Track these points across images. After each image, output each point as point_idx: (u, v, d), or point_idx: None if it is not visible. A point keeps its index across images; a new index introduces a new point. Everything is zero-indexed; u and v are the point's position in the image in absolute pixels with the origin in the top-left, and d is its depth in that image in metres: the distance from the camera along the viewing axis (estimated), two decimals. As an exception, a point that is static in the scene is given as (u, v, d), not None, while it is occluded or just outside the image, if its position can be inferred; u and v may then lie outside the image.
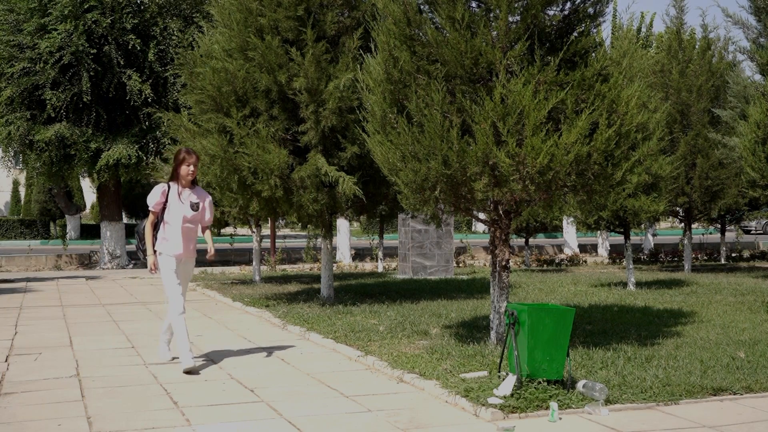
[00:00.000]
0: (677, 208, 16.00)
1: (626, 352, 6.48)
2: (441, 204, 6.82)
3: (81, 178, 30.60)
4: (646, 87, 9.52)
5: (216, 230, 35.14)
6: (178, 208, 6.53)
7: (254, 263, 14.72)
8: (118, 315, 10.21)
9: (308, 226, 12.09)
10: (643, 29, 26.06)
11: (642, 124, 6.72)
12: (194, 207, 6.60)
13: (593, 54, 6.53)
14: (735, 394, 5.37)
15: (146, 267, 7.64)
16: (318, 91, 9.37)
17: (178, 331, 6.43)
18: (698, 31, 16.19)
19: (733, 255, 20.57)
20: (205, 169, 9.85)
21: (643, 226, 19.19)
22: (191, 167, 6.54)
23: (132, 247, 26.34)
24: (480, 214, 7.26)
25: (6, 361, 7.00)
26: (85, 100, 17.15)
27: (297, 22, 9.56)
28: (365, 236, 29.37)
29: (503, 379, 5.27)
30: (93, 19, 17.04)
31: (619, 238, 14.39)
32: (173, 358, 6.83)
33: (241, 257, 21.30)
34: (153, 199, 6.55)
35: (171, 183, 6.61)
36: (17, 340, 8.14)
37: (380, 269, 17.57)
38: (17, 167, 24.84)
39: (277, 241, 20.06)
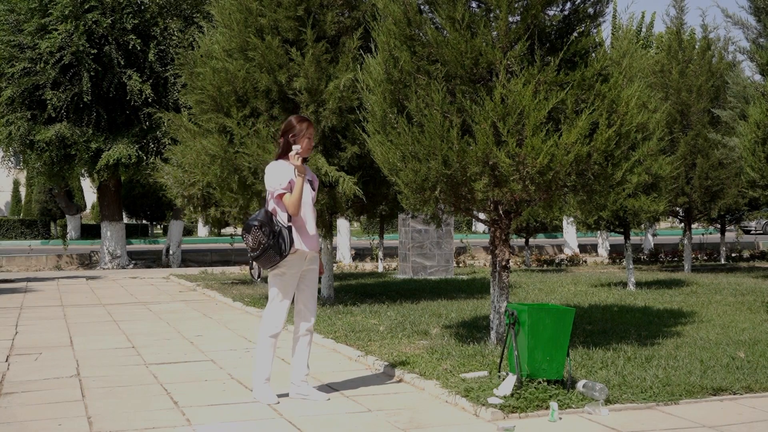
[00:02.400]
0: (677, 208, 15.99)
1: (626, 352, 6.48)
2: (441, 204, 6.82)
3: (81, 178, 30.63)
4: (646, 87, 9.52)
5: (216, 230, 35.24)
6: (306, 190, 5.33)
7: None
8: (118, 315, 10.22)
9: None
10: (643, 29, 26.06)
11: (642, 124, 6.71)
12: (313, 187, 5.46)
13: (593, 54, 6.53)
14: (735, 394, 5.37)
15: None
16: (318, 91, 9.37)
17: (262, 355, 5.31)
18: (698, 32, 16.20)
19: (733, 255, 20.57)
20: (206, 169, 9.85)
21: (643, 226, 19.16)
22: (312, 141, 5.41)
23: (132, 247, 26.36)
24: (480, 214, 7.26)
25: (6, 361, 7.00)
26: (85, 100, 17.16)
27: (297, 22, 9.56)
28: (365, 236, 29.37)
29: (503, 379, 5.27)
30: (93, 20, 17.06)
31: (619, 238, 14.40)
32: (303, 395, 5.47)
33: (242, 257, 21.30)
34: (284, 176, 5.21)
35: (281, 160, 5.35)
36: (17, 340, 8.15)
37: (380, 269, 17.57)
38: (18, 167, 24.87)
39: (277, 241, 20.02)
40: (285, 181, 5.19)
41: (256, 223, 5.13)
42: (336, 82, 9.30)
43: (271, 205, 5.29)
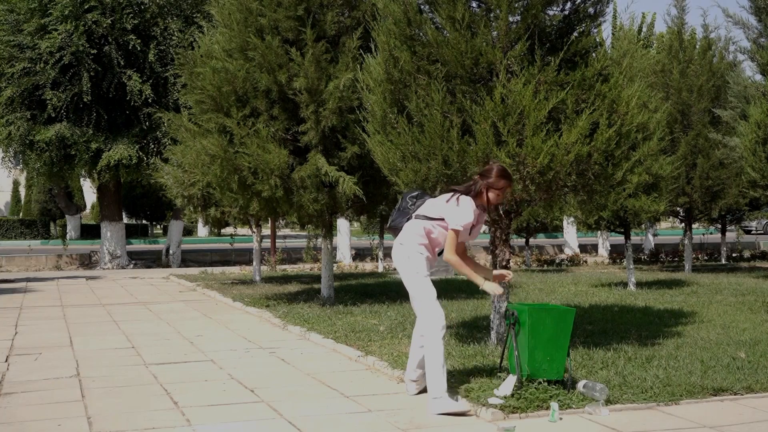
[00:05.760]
0: (678, 208, 15.98)
1: (627, 352, 6.47)
2: (441, 204, 6.81)
3: (81, 178, 30.62)
4: (646, 87, 9.51)
5: (216, 230, 35.21)
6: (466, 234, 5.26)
7: (254, 263, 14.72)
8: (118, 315, 10.21)
9: (308, 226, 12.11)
10: (644, 29, 26.04)
11: (642, 124, 6.71)
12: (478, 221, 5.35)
13: (594, 54, 6.53)
14: (735, 394, 5.36)
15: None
16: (318, 91, 9.36)
17: (439, 357, 5.03)
18: (699, 31, 16.18)
19: (734, 255, 20.55)
20: (206, 169, 9.84)
21: (643, 226, 19.16)
22: (500, 197, 5.32)
23: (132, 248, 26.30)
24: (480, 214, 7.24)
25: (6, 361, 6.99)
26: (85, 100, 17.15)
27: (297, 22, 9.55)
28: (365, 236, 29.33)
29: (503, 380, 5.27)
30: (93, 20, 17.05)
31: (620, 238, 14.38)
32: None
33: (242, 257, 21.30)
34: (468, 218, 5.12)
35: (473, 200, 5.20)
36: (17, 340, 8.14)
37: (380, 269, 17.56)
38: (17, 167, 24.84)
39: (277, 241, 20.08)
40: (467, 224, 5.10)
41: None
42: (336, 82, 9.29)
43: (426, 224, 5.17)
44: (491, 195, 5.24)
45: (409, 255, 5.17)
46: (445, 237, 5.14)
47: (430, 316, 5.15)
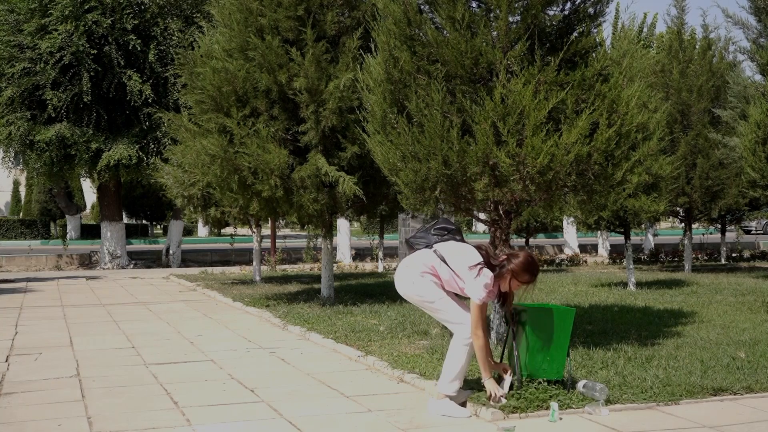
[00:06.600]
0: (677, 208, 15.98)
1: (626, 352, 6.47)
2: (441, 204, 6.82)
3: (81, 178, 30.60)
4: (646, 87, 9.50)
5: (216, 230, 35.25)
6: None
7: (254, 263, 14.72)
8: (118, 315, 10.21)
9: (308, 226, 12.11)
10: (645, 30, 26.05)
11: (642, 124, 6.71)
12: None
13: (593, 54, 6.53)
14: (735, 394, 5.37)
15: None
16: (318, 91, 9.37)
17: (459, 361, 5.01)
18: (699, 31, 16.19)
19: (734, 255, 20.55)
20: (206, 169, 9.85)
21: (643, 226, 19.15)
22: (517, 287, 5.17)
23: (132, 248, 26.31)
24: (480, 214, 7.26)
25: (6, 361, 7.00)
26: (85, 100, 17.16)
27: (297, 22, 9.56)
28: (365, 236, 29.35)
29: (503, 380, 5.26)
30: (93, 20, 17.06)
31: (620, 238, 14.41)
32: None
33: (242, 257, 21.30)
34: (489, 291, 5.03)
35: (496, 277, 5.06)
36: (17, 340, 8.14)
37: (380, 269, 17.56)
38: (18, 167, 24.85)
39: (277, 241, 20.08)
40: (484, 297, 4.96)
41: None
42: (336, 82, 9.29)
43: (436, 263, 5.08)
44: (513, 283, 5.09)
45: (413, 280, 5.13)
46: (449, 282, 5.06)
47: (458, 324, 5.04)
